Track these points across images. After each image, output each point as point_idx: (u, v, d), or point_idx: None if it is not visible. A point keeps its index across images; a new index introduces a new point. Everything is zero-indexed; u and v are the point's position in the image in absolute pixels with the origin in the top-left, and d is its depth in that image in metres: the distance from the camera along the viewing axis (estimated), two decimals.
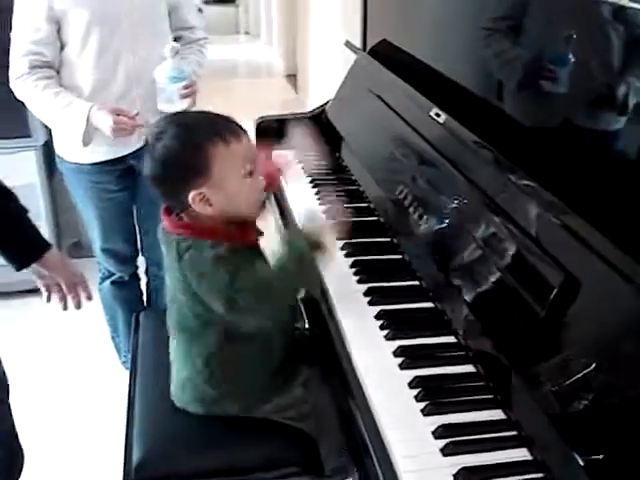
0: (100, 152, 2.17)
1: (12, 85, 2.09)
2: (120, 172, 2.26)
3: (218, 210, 1.34)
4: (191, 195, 1.31)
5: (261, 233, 1.46)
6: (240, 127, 1.35)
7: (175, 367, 1.51)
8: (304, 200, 1.88)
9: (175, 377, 1.51)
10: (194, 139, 1.31)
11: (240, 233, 1.39)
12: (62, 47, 2.08)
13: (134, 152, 2.21)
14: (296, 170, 1.65)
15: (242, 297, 1.30)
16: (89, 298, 1.67)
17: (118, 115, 2.03)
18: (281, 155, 1.69)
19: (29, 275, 1.60)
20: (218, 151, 1.30)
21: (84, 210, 2.36)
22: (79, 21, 2.01)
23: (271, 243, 1.47)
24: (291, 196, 1.93)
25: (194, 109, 2.17)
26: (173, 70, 2.02)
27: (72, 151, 2.21)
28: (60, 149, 2.26)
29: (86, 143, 2.08)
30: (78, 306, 1.66)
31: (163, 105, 2.07)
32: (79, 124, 2.04)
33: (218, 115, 1.36)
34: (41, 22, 2.00)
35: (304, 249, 1.33)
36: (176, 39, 2.27)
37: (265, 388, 1.46)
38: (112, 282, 2.52)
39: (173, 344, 1.50)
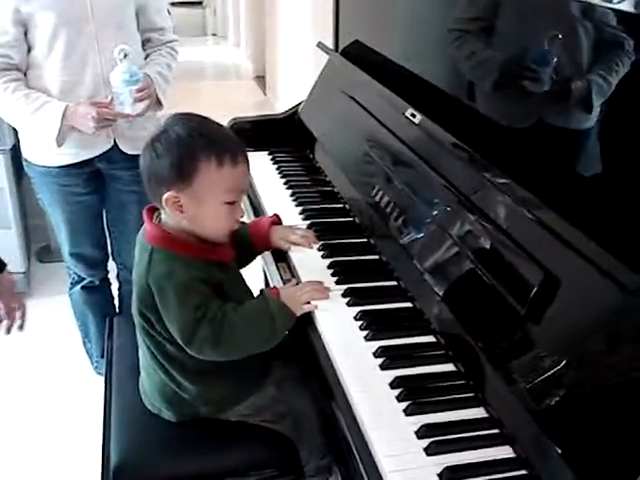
0: (68, 155, 2.14)
1: None
2: (88, 175, 2.24)
3: (187, 220, 1.33)
4: (166, 195, 1.31)
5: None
6: (245, 157, 1.34)
7: (144, 373, 1.51)
8: (278, 201, 1.88)
9: (145, 383, 1.50)
10: (191, 145, 1.29)
11: (214, 249, 1.38)
12: (29, 50, 2.05)
13: (101, 155, 2.19)
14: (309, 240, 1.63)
15: (203, 330, 1.31)
16: (20, 328, 1.66)
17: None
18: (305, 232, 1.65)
19: None
20: (207, 168, 1.29)
21: (52, 214, 2.33)
22: (46, 24, 2.00)
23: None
24: (265, 197, 1.92)
25: (164, 111, 2.16)
26: (124, 73, 2.00)
27: (39, 154, 2.18)
28: (27, 152, 2.23)
29: (60, 143, 2.06)
30: (7, 331, 1.66)
31: (119, 108, 2.05)
32: (54, 124, 2.01)
33: (229, 137, 1.35)
34: (8, 25, 1.98)
35: (275, 311, 1.35)
36: (145, 41, 2.26)
37: (238, 389, 1.45)
38: (82, 287, 2.49)
39: (141, 350, 1.49)
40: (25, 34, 2.02)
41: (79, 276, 2.47)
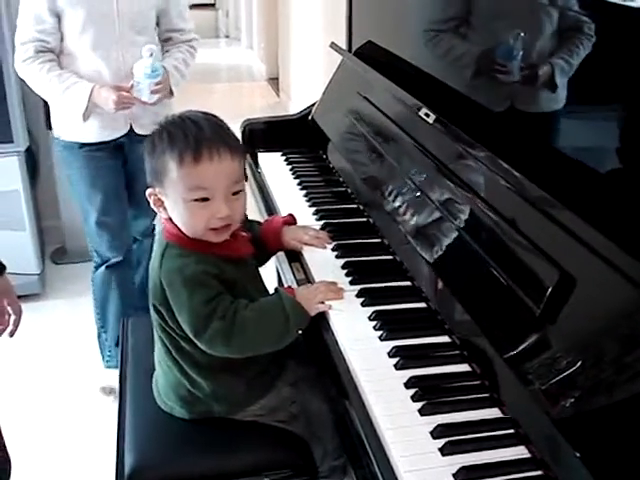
0: (94, 133, 2.39)
1: (17, 67, 2.34)
2: (112, 146, 2.45)
3: (172, 217, 1.34)
4: (149, 191, 1.35)
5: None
6: (218, 154, 1.28)
7: (158, 369, 1.51)
8: (292, 201, 1.88)
9: (159, 380, 1.51)
10: (158, 143, 1.32)
11: (228, 244, 1.38)
12: (62, 38, 2.32)
13: (121, 136, 2.43)
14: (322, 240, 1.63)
15: (214, 325, 1.31)
16: (11, 335, 1.62)
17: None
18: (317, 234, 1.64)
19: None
20: (169, 166, 1.29)
21: (79, 185, 2.47)
22: (76, 18, 2.25)
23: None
24: (278, 197, 1.93)
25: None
26: (148, 68, 2.28)
27: (70, 130, 2.41)
28: (58, 130, 2.46)
29: (85, 119, 2.33)
30: None
31: (136, 95, 2.31)
32: (82, 101, 2.28)
33: (202, 133, 1.30)
34: (45, 14, 2.25)
35: (289, 309, 1.34)
36: (166, 40, 2.49)
37: (251, 388, 1.45)
38: (107, 266, 2.55)
39: (156, 346, 1.49)
40: (59, 23, 2.28)
41: (102, 258, 2.54)
